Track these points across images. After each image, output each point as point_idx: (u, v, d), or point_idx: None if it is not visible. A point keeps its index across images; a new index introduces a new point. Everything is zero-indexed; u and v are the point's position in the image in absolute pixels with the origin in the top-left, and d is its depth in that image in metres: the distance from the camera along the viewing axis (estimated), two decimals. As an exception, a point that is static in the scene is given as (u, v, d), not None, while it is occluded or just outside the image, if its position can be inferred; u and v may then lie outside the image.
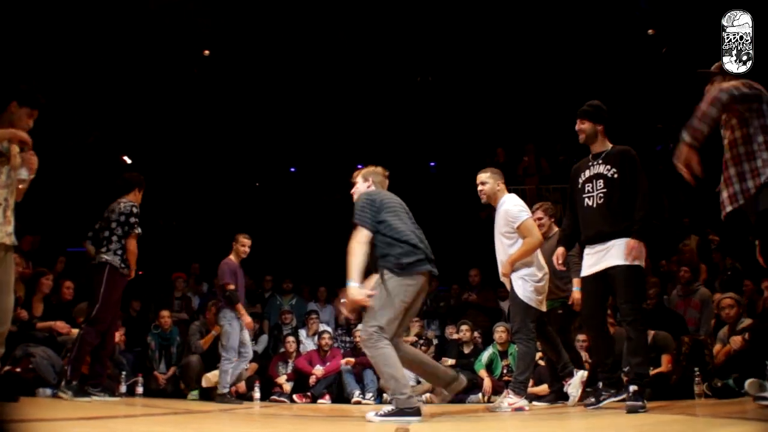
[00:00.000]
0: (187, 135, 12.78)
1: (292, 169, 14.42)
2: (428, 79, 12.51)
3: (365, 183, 4.98)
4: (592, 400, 5.02)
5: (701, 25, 9.96)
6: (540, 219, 6.87)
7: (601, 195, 4.90)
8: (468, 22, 11.23)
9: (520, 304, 5.60)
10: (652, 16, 10.80)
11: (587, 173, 5.04)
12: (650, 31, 10.98)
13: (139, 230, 6.54)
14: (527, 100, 12.41)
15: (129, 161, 13.02)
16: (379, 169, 5.09)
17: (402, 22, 11.28)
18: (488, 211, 11.94)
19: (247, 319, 7.62)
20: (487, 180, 5.79)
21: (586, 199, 5.00)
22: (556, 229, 6.93)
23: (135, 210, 6.58)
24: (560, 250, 5.24)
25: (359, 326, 4.40)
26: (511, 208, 5.63)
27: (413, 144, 13.51)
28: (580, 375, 6.10)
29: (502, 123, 12.91)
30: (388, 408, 4.21)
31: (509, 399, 5.58)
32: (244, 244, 7.78)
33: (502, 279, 5.83)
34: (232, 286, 7.50)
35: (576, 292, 6.48)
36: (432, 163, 14.50)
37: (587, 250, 5.00)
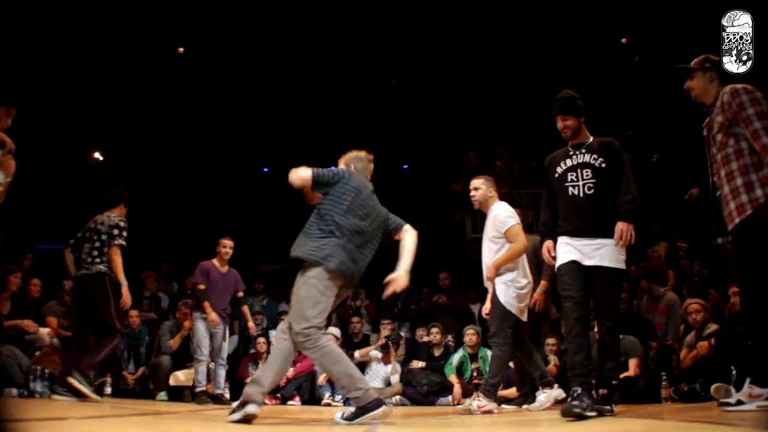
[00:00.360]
0: (159, 133, 12.65)
1: (265, 170, 14.35)
2: (402, 81, 12.51)
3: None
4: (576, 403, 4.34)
5: (675, 34, 10.16)
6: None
7: (590, 185, 4.56)
8: (443, 26, 11.28)
9: (501, 309, 5.63)
10: (626, 25, 10.93)
11: (569, 162, 4.69)
12: (623, 40, 11.13)
13: (121, 242, 6.71)
14: (500, 105, 12.50)
15: (101, 158, 12.88)
16: (362, 153, 4.91)
17: (377, 24, 11.29)
18: (461, 214, 12.10)
19: (212, 316, 7.57)
20: (480, 186, 6.01)
21: (571, 189, 4.62)
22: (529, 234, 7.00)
23: (123, 224, 6.80)
24: (549, 243, 4.92)
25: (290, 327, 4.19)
26: (500, 213, 5.79)
27: (386, 146, 13.52)
28: (557, 393, 6.10)
29: (475, 127, 12.99)
30: (350, 410, 4.12)
31: (479, 401, 5.62)
32: (225, 245, 7.92)
33: (486, 283, 5.88)
34: (201, 286, 7.63)
35: (537, 293, 6.57)
36: (405, 166, 14.51)
37: (568, 240, 4.60)
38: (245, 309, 8.16)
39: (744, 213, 3.87)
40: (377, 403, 4.05)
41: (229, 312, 8.02)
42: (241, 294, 8.17)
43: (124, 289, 6.68)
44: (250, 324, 8.17)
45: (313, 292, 4.15)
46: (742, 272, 4.10)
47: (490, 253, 5.80)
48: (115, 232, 6.66)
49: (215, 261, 7.90)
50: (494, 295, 5.72)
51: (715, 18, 4.68)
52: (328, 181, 4.40)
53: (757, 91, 3.93)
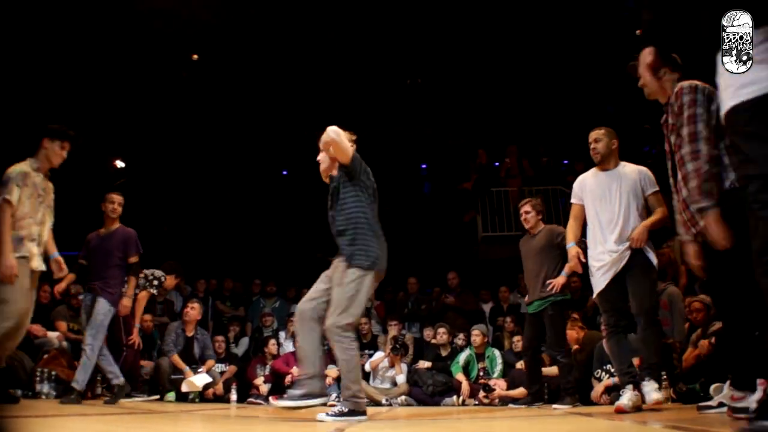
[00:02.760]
0: (177, 139, 12.83)
1: (285, 173, 14.46)
2: (418, 81, 12.47)
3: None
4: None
5: (690, 25, 9.91)
6: (527, 213, 6.84)
7: None
8: (456, 24, 11.22)
9: (654, 276, 5.19)
10: (640, 17, 10.71)
11: None
12: (638, 32, 10.89)
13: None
14: (511, 102, 12.37)
15: (121, 165, 13.13)
16: (346, 134, 4.53)
17: (392, 25, 11.28)
18: (471, 213, 12.01)
19: (61, 286, 6.73)
20: (600, 137, 5.30)
21: None
22: (542, 225, 6.90)
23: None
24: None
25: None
26: (649, 173, 5.25)
27: (404, 146, 13.54)
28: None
29: (486, 125, 12.89)
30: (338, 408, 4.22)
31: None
32: (113, 201, 6.73)
33: (635, 244, 5.06)
34: (82, 261, 6.69)
35: (561, 277, 6.46)
36: (423, 165, 14.48)
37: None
38: (131, 279, 6.64)
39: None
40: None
41: (109, 285, 6.44)
42: (133, 259, 6.64)
43: None
44: (125, 300, 6.52)
45: (356, 294, 4.31)
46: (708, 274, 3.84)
47: (635, 214, 5.12)
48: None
49: (102, 228, 6.72)
50: (644, 263, 5.07)
51: (715, 18, 4.56)
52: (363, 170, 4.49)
53: (701, 91, 3.70)
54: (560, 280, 6.46)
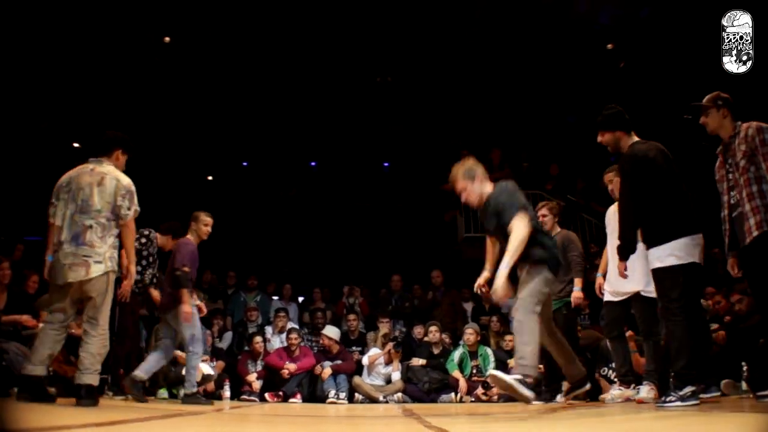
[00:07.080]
0: (139, 126, 12.34)
1: (245, 164, 14.23)
2: (387, 80, 12.50)
3: (476, 181, 4.64)
4: None
5: (660, 40, 10.42)
6: (544, 216, 6.96)
7: None
8: (429, 26, 11.28)
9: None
10: (611, 31, 11.14)
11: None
12: (609, 46, 11.33)
13: None
14: (485, 108, 12.62)
15: (79, 147, 12.52)
16: (471, 161, 4.71)
17: (363, 21, 11.24)
18: (452, 213, 12.18)
19: (186, 308, 6.34)
20: (613, 178, 5.97)
21: None
22: (558, 229, 7.02)
23: None
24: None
25: None
26: None
27: (370, 144, 13.56)
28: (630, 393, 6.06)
29: (461, 127, 13.09)
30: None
31: (619, 390, 5.88)
32: (208, 223, 6.78)
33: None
34: (186, 269, 6.44)
35: (576, 292, 6.64)
36: (386, 164, 14.55)
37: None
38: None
39: (762, 229, 4.14)
40: None
41: None
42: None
43: None
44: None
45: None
46: (759, 283, 4.33)
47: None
48: None
49: (193, 238, 6.75)
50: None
51: (715, 18, 4.83)
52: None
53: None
54: (578, 294, 6.69)
